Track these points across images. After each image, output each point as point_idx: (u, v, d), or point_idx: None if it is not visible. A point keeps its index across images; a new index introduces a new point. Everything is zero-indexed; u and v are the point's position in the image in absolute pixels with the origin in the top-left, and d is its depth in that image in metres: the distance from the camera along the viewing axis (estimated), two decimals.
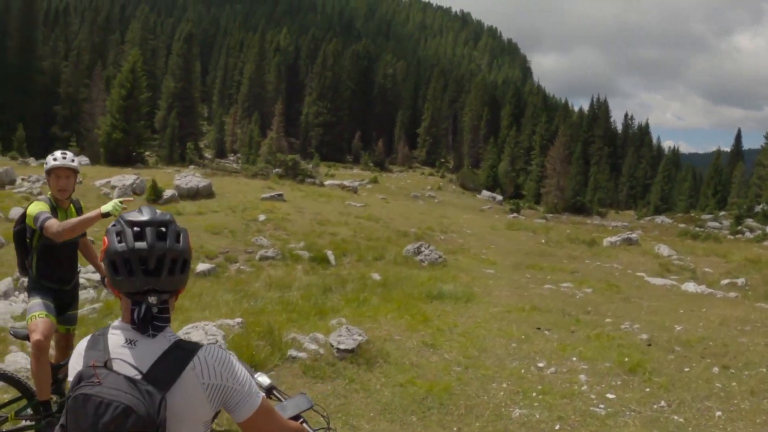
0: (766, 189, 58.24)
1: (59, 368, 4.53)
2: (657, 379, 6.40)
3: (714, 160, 74.92)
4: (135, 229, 1.72)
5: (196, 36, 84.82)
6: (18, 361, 6.42)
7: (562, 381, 6.45)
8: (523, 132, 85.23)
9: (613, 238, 21.50)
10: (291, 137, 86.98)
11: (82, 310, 10.65)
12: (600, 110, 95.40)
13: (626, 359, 6.97)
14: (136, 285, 1.71)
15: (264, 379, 2.45)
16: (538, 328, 8.62)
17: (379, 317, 9.04)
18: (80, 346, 1.83)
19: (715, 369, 6.75)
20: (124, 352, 1.70)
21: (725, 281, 15.49)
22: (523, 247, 19.91)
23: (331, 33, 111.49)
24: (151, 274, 1.71)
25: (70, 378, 1.75)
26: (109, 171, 32.54)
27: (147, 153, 59.23)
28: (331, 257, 18.10)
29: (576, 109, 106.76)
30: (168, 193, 25.70)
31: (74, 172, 4.68)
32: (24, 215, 4.55)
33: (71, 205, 4.77)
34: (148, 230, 1.72)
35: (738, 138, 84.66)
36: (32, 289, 4.57)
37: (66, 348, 4.80)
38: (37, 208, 4.41)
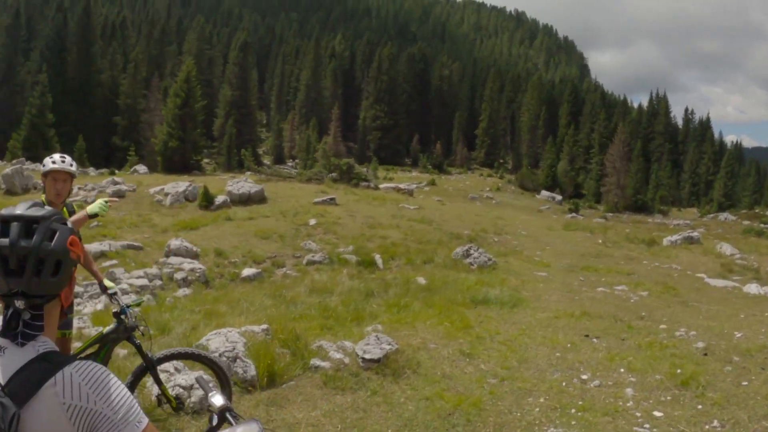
0: None
1: None
2: (711, 395, 5.73)
3: None
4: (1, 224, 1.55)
5: (252, 44, 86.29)
6: None
7: (606, 396, 5.85)
8: (582, 130, 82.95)
9: (674, 237, 20.43)
10: (349, 142, 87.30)
11: None
12: (659, 106, 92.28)
13: (679, 371, 6.30)
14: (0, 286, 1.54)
15: (217, 400, 2.25)
16: (587, 336, 8.01)
17: (418, 324, 8.62)
18: None
19: None
20: None
21: None
22: (579, 248, 19.07)
23: (386, 37, 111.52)
24: (13, 274, 1.53)
25: None
26: (164, 179, 33.18)
27: (206, 161, 60.58)
28: (379, 261, 17.76)
29: (635, 105, 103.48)
30: (220, 199, 25.90)
31: (71, 176, 4.66)
32: None
33: (64, 208, 4.74)
34: (14, 226, 1.54)
35: None
36: None
37: (63, 352, 4.61)
38: None
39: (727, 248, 18.61)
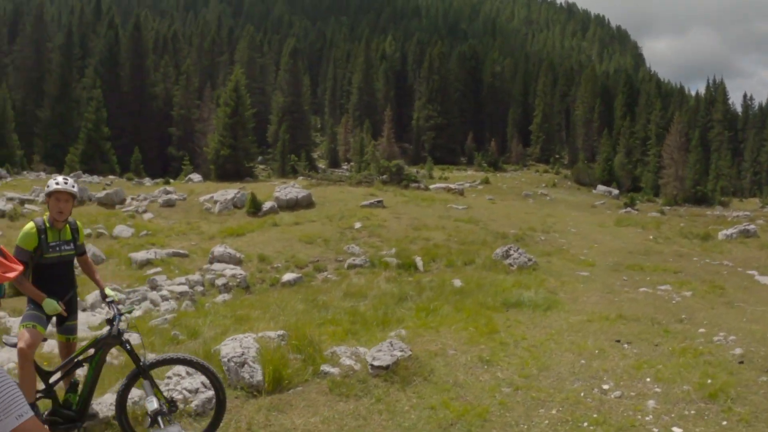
0: None
1: (50, 374, 4.71)
2: (738, 410, 5.27)
3: None
4: None
5: (303, 50, 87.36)
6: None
7: (625, 408, 5.48)
8: (638, 121, 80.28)
9: (730, 231, 19.39)
10: (404, 143, 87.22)
11: (155, 320, 10.87)
12: (717, 92, 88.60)
13: (709, 381, 5.85)
14: None
15: (151, 404, 2.66)
16: (618, 341, 7.60)
17: (442, 328, 8.41)
18: None
19: None
20: None
21: None
22: (629, 245, 18.36)
23: (436, 36, 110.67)
24: None
25: None
26: (216, 186, 33.84)
27: (261, 167, 61.61)
28: (420, 263, 17.55)
29: (692, 93, 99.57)
30: (267, 205, 26.21)
31: (72, 196, 4.95)
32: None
33: (67, 225, 5.00)
34: None
35: None
36: (29, 301, 4.79)
37: (68, 356, 5.01)
38: (21, 241, 4.76)
39: None
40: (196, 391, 5.57)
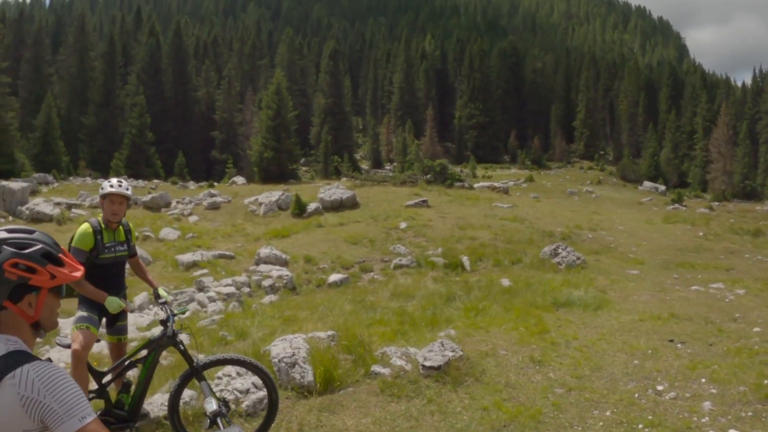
0: None
1: (103, 375, 4.71)
2: None
3: None
4: None
5: (343, 51, 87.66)
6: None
7: (680, 410, 5.41)
8: (684, 115, 78.17)
9: None
10: (446, 142, 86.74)
11: (203, 321, 11.11)
12: (764, 83, 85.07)
13: (766, 382, 5.73)
14: None
15: (210, 406, 2.64)
16: (671, 341, 7.50)
17: (492, 328, 8.40)
18: None
19: None
20: None
21: None
22: (678, 242, 17.99)
23: (476, 33, 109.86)
24: None
25: None
26: (260, 189, 34.31)
27: (304, 169, 62.21)
28: (466, 263, 17.55)
29: (738, 84, 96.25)
30: (312, 206, 26.49)
31: (126, 198, 4.97)
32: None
33: (120, 227, 5.05)
34: None
35: None
36: (81, 302, 4.85)
37: (119, 356, 5.06)
38: (78, 242, 4.78)
39: None
40: (247, 391, 5.61)
